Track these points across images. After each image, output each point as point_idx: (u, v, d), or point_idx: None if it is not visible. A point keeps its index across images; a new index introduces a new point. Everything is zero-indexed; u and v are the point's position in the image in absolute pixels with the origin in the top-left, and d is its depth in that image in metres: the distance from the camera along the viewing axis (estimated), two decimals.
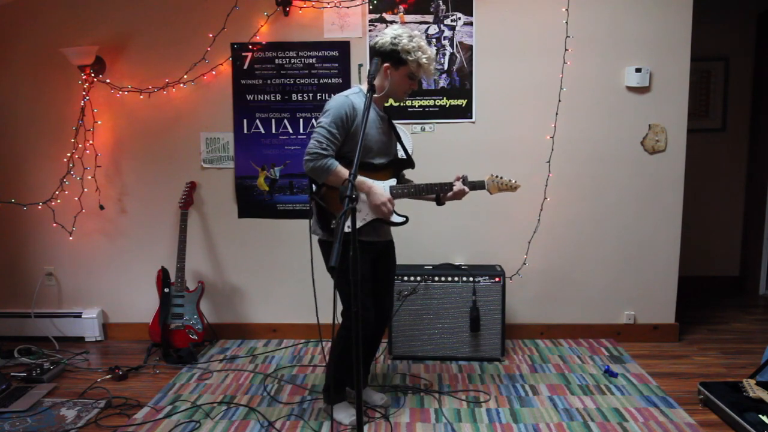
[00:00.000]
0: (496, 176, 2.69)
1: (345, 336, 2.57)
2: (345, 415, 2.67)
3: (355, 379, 1.90)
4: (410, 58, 2.39)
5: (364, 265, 2.51)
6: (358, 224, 2.49)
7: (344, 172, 2.38)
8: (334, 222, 2.47)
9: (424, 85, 3.56)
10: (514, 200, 3.61)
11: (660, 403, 2.84)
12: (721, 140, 4.71)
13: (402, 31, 2.42)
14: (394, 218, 2.55)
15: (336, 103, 2.42)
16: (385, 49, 2.41)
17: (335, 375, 2.66)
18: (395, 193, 2.54)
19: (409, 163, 2.66)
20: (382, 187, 2.49)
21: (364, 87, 2.50)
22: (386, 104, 2.68)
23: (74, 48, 3.48)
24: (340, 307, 2.56)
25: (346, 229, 2.16)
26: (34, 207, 3.73)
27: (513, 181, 2.72)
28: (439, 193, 2.61)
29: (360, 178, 2.44)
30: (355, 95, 2.48)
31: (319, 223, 2.51)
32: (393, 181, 2.58)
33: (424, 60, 2.40)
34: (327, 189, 2.49)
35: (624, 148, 3.57)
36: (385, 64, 2.43)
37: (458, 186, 2.58)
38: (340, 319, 2.57)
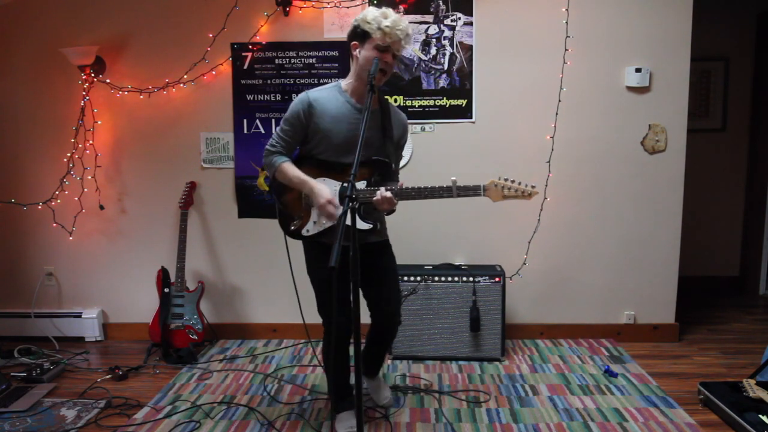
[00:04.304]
0: (503, 179, 2.27)
1: (323, 340, 2.59)
2: (342, 425, 2.58)
3: (355, 380, 1.89)
4: (372, 27, 2.20)
5: (323, 269, 2.42)
6: (314, 229, 2.39)
7: (291, 171, 2.32)
8: (293, 224, 2.43)
9: (424, 86, 3.56)
10: (514, 200, 3.60)
11: (660, 403, 2.84)
12: (721, 140, 4.71)
13: (372, 8, 2.29)
14: (359, 224, 2.26)
15: (294, 101, 2.37)
16: (352, 31, 2.29)
17: (329, 381, 2.65)
18: (359, 197, 2.28)
19: (383, 164, 2.37)
20: (325, 188, 2.28)
21: (345, 82, 2.40)
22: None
23: (74, 48, 3.48)
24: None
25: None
26: (34, 207, 3.73)
27: (529, 187, 2.26)
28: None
29: (302, 178, 2.30)
30: (322, 89, 2.39)
31: (280, 224, 2.48)
32: (362, 184, 2.33)
33: (385, 24, 2.18)
34: (284, 188, 2.42)
35: (624, 148, 3.57)
36: (353, 42, 2.29)
37: (381, 194, 2.21)
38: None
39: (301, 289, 3.71)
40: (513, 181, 2.26)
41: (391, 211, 2.36)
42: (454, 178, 2.27)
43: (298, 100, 2.35)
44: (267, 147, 2.41)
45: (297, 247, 2.55)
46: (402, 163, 3.45)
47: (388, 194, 2.20)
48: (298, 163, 2.41)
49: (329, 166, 2.37)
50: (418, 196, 2.25)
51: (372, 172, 2.36)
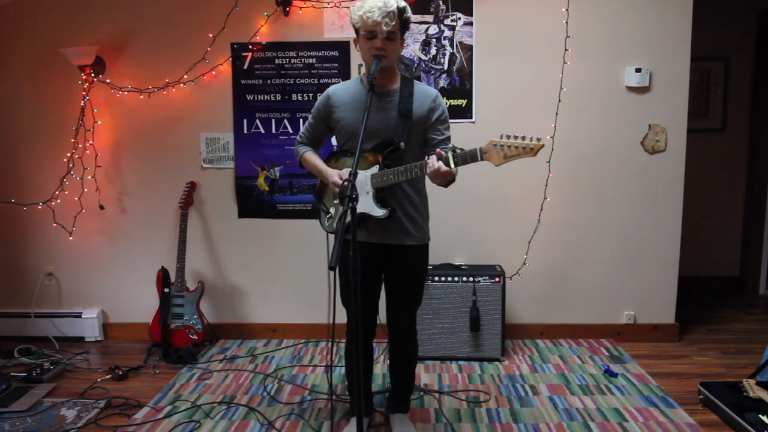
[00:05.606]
0: (504, 137, 2.08)
1: (346, 339, 2.59)
2: (351, 430, 2.58)
3: (355, 379, 1.89)
4: (355, 20, 2.27)
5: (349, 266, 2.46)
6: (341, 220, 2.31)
7: (312, 160, 2.47)
8: (328, 217, 2.44)
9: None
10: (514, 200, 3.61)
11: (660, 403, 2.84)
12: (721, 140, 4.71)
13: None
14: (374, 211, 2.28)
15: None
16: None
17: (349, 380, 2.66)
18: (375, 182, 2.29)
19: (390, 143, 2.30)
20: (335, 170, 2.34)
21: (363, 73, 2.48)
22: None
23: (74, 48, 3.48)
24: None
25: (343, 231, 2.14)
26: (34, 207, 3.73)
27: (533, 140, 2.02)
28: (416, 175, 2.23)
29: (319, 167, 2.42)
30: (344, 82, 2.51)
31: (319, 221, 2.53)
32: (375, 169, 2.31)
33: (359, 13, 2.22)
34: (320, 183, 2.52)
35: (624, 148, 3.57)
36: (355, 40, 2.39)
37: (431, 164, 2.12)
38: (343, 320, 2.56)
39: (304, 291, 3.74)
40: (516, 138, 2.06)
41: (450, 181, 2.22)
42: (451, 145, 2.18)
43: (321, 96, 2.48)
44: (297, 137, 2.59)
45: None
46: None
47: (437, 165, 2.09)
48: (333, 156, 2.48)
49: (345, 154, 2.45)
50: (421, 173, 2.21)
51: (383, 156, 2.32)
